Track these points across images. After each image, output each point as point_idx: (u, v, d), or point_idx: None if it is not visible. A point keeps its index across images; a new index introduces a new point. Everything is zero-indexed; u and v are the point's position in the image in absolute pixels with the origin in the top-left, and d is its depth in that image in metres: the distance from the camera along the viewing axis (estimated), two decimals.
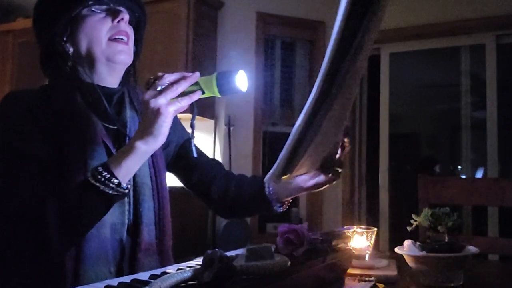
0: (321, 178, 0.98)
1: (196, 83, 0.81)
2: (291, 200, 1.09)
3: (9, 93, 0.92)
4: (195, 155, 0.97)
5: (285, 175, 0.77)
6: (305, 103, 0.71)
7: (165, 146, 1.07)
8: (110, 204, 0.81)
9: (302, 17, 3.45)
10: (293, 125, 0.75)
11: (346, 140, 0.91)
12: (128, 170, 0.79)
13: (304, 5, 3.45)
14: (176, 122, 1.12)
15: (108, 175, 0.77)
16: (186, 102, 0.80)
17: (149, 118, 0.77)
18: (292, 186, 1.01)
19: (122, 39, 0.94)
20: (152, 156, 0.98)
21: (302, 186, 1.00)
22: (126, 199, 0.91)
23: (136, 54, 1.01)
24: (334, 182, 0.99)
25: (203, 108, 3.12)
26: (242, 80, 0.83)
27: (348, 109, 0.82)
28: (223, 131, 3.21)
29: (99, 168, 0.78)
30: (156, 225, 0.96)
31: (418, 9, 3.17)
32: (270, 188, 1.04)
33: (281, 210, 1.08)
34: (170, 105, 0.77)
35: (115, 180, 0.77)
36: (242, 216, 1.20)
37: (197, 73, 0.81)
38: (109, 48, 0.93)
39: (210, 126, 3.22)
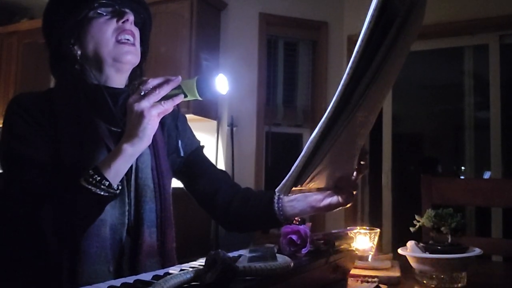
0: (334, 199, 0.93)
1: (179, 87, 0.84)
2: (299, 219, 1.04)
3: (15, 97, 0.93)
4: (182, 154, 1.00)
5: (296, 186, 0.77)
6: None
7: (172, 151, 1.07)
8: (102, 205, 0.84)
9: (305, 17, 3.45)
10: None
11: (362, 162, 0.87)
12: (117, 171, 0.83)
13: (307, 5, 3.45)
14: (186, 129, 1.13)
15: (99, 178, 0.80)
16: (168, 105, 0.83)
17: (133, 121, 0.81)
18: (304, 204, 0.98)
19: (128, 39, 0.95)
20: (155, 158, 0.99)
21: (314, 205, 0.96)
22: (126, 200, 0.93)
23: (143, 55, 1.02)
24: (347, 206, 0.94)
25: (205, 109, 3.12)
26: (221, 84, 0.88)
27: (367, 128, 0.80)
28: (225, 131, 3.21)
29: (90, 171, 0.81)
30: (157, 227, 0.96)
31: None
32: (280, 205, 1.01)
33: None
34: (153, 108, 0.81)
35: (106, 182, 0.81)
36: (245, 230, 1.17)
37: (179, 77, 0.84)
38: (116, 49, 0.94)
39: (213, 126, 3.22)
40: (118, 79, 0.98)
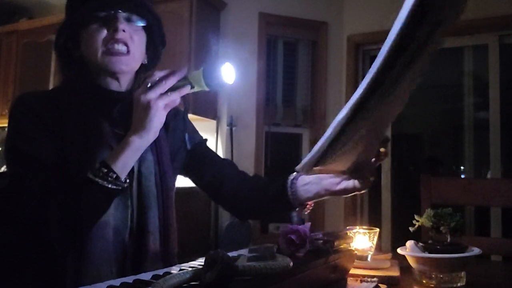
0: (351, 183, 0.91)
1: (185, 78, 0.84)
2: (313, 204, 1.03)
3: (20, 96, 0.93)
4: (188, 147, 1.00)
5: (317, 166, 0.76)
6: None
7: (177, 149, 1.06)
8: (110, 199, 0.84)
9: (305, 17, 3.45)
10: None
11: (382, 149, 0.85)
12: (124, 164, 0.83)
13: (307, 5, 3.45)
14: (186, 127, 1.11)
15: (106, 170, 0.81)
16: (175, 96, 0.83)
17: (140, 113, 0.81)
18: (318, 187, 0.96)
19: (118, 50, 0.92)
20: (158, 164, 0.99)
21: (329, 189, 0.94)
22: (129, 203, 0.92)
23: (153, 57, 1.02)
24: (363, 191, 0.92)
25: (205, 109, 3.12)
26: (228, 73, 0.86)
27: (393, 117, 0.78)
28: (225, 131, 3.21)
29: (97, 164, 0.81)
30: (160, 233, 0.96)
31: None
32: (293, 189, 1.00)
33: (305, 213, 1.03)
34: (160, 99, 0.81)
35: (113, 174, 0.81)
36: (258, 217, 1.17)
37: (185, 68, 0.84)
38: (104, 60, 0.92)
39: (212, 126, 3.22)
40: (117, 84, 0.97)
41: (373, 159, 0.87)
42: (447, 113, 3.75)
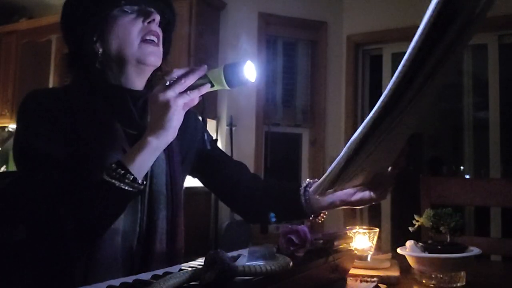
0: (367, 194, 0.89)
1: (205, 76, 0.81)
2: (326, 213, 1.02)
3: (30, 92, 0.90)
4: (208, 147, 0.98)
5: (332, 188, 0.75)
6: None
7: (183, 159, 1.04)
8: (126, 201, 0.81)
9: (304, 17, 3.45)
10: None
11: (401, 159, 0.84)
12: (141, 165, 0.79)
13: (306, 5, 3.45)
14: (204, 127, 1.08)
15: (123, 171, 0.77)
16: (195, 94, 0.80)
17: (158, 112, 0.78)
18: (334, 198, 0.94)
19: (153, 40, 0.92)
20: (169, 164, 0.97)
21: (345, 199, 0.92)
22: (139, 207, 0.90)
23: (164, 56, 1.00)
24: (380, 201, 0.90)
25: (204, 108, 3.12)
26: (250, 71, 0.83)
27: (413, 129, 0.76)
28: (225, 131, 3.21)
29: (113, 165, 0.77)
30: (168, 234, 0.94)
31: (420, 9, 3.16)
32: (307, 197, 0.98)
33: (319, 222, 1.02)
34: (179, 98, 0.78)
35: (130, 176, 0.77)
36: (269, 222, 1.15)
37: (205, 66, 0.81)
38: (140, 49, 0.91)
39: (212, 126, 3.22)
40: (137, 81, 0.95)
41: (391, 169, 0.86)
42: (446, 113, 3.75)
